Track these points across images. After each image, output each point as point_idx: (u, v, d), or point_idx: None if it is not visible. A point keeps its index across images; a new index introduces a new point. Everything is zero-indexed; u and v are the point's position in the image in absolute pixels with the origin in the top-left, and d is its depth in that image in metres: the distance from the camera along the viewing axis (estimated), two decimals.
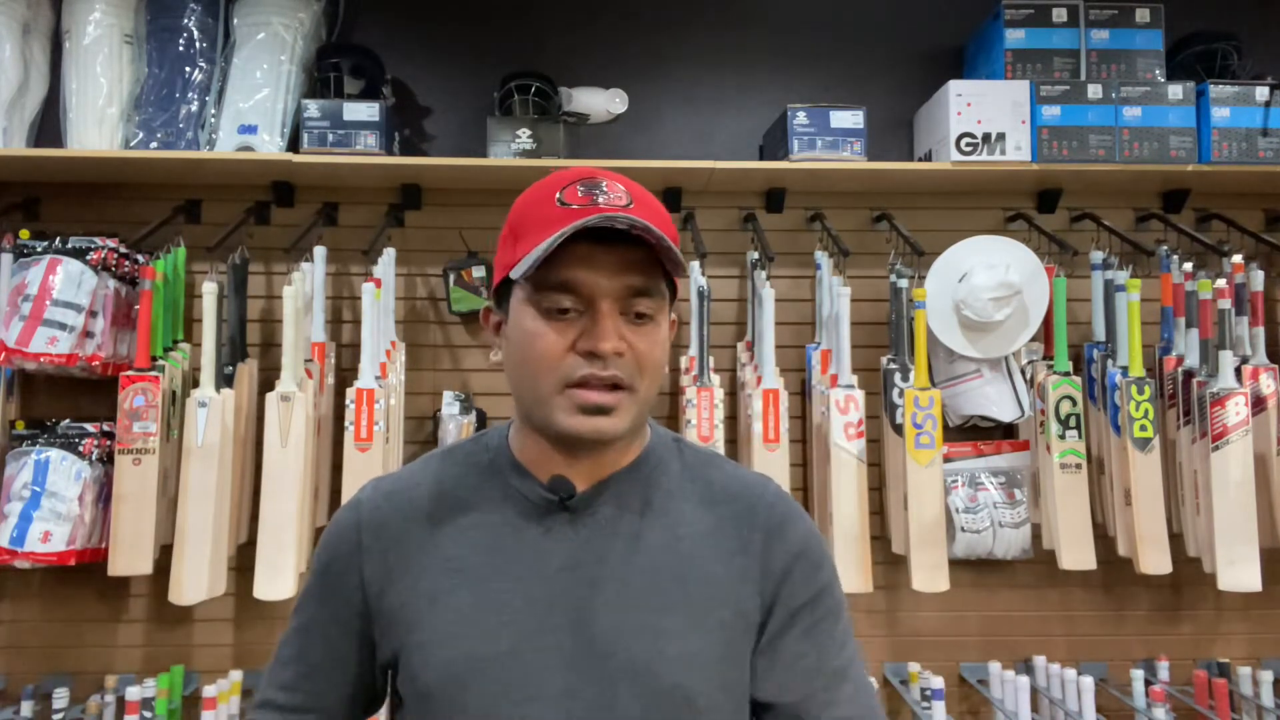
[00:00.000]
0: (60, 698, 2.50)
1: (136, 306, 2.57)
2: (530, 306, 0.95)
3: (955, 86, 2.73)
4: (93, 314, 2.54)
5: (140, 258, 2.65)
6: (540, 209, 0.95)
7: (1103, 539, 2.65)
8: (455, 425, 2.69)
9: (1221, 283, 2.62)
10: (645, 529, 1.00)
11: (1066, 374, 2.63)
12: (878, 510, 2.80)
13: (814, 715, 0.97)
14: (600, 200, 0.93)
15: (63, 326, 2.49)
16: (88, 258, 2.55)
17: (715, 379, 2.61)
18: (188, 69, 2.75)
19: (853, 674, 1.00)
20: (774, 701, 0.98)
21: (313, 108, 2.63)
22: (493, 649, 0.96)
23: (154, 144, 2.68)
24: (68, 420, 2.63)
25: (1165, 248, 2.78)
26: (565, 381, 0.94)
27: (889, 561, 2.77)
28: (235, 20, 2.79)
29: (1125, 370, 2.63)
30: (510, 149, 2.71)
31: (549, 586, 0.97)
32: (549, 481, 1.00)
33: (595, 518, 1.00)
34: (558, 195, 0.94)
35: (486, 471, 1.05)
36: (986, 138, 2.71)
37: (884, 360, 2.73)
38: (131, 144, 2.69)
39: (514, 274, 0.93)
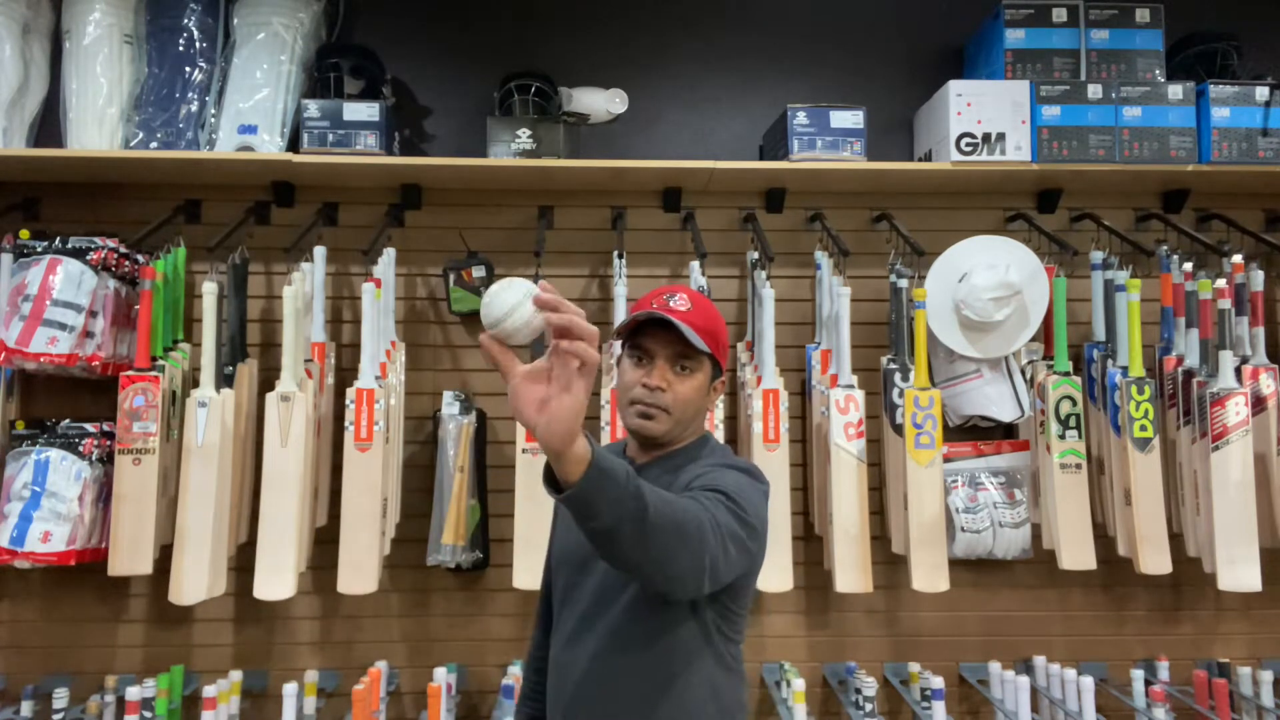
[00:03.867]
0: (60, 698, 2.49)
1: (136, 306, 2.57)
2: (626, 355, 1.61)
3: (955, 86, 2.73)
4: (93, 314, 2.54)
5: (140, 258, 2.66)
6: (641, 305, 1.61)
7: (1103, 539, 2.65)
8: (455, 425, 2.69)
9: (1221, 283, 2.62)
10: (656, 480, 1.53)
11: (1066, 374, 2.63)
12: (878, 510, 2.80)
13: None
14: (670, 304, 1.57)
15: (63, 326, 2.49)
16: (88, 258, 2.55)
17: None
18: (188, 69, 2.75)
19: (720, 482, 1.43)
20: None
21: (313, 108, 2.63)
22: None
23: (154, 144, 2.68)
24: (68, 420, 2.63)
25: (1165, 248, 2.78)
26: (631, 399, 1.57)
27: (889, 561, 2.77)
28: (235, 20, 2.79)
29: (1125, 370, 2.63)
30: (510, 149, 2.71)
31: None
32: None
33: (645, 476, 1.49)
34: (653, 299, 1.60)
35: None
36: (986, 138, 2.71)
37: (884, 360, 2.73)
38: (131, 144, 2.69)
39: (617, 337, 1.62)
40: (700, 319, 1.55)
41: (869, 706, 2.52)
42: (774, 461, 2.54)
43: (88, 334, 2.53)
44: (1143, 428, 2.57)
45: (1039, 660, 2.76)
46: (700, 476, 1.47)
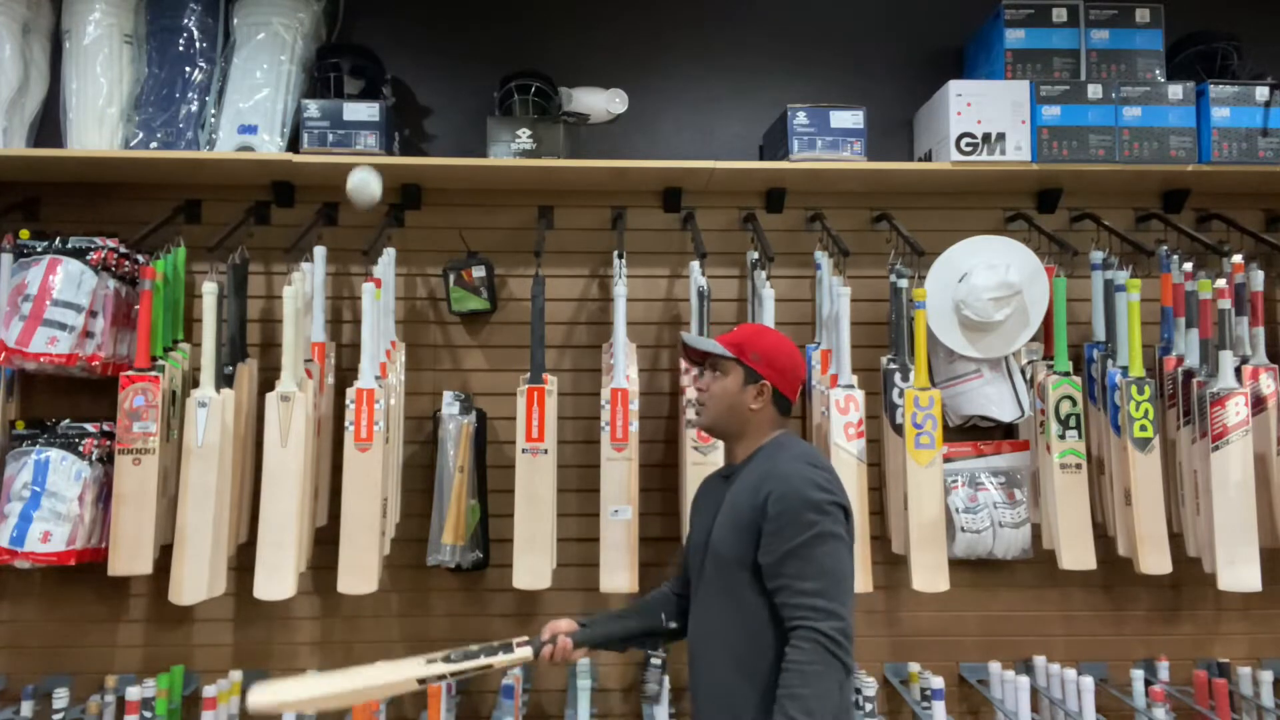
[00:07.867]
0: (60, 698, 2.50)
1: (136, 306, 2.57)
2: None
3: (955, 86, 2.73)
4: (93, 314, 2.54)
5: (140, 258, 2.66)
6: None
7: (1103, 539, 2.66)
8: (455, 425, 2.69)
9: (1221, 283, 2.62)
10: (739, 486, 1.94)
11: (1066, 374, 2.63)
12: (878, 510, 2.80)
13: (773, 575, 1.81)
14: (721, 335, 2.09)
15: (63, 326, 2.49)
16: (88, 258, 2.55)
17: None
18: (188, 69, 2.75)
19: (805, 555, 1.78)
20: (761, 563, 1.82)
21: (313, 108, 2.63)
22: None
23: (154, 144, 2.68)
24: (68, 420, 2.63)
25: (1165, 248, 2.78)
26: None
27: (889, 561, 2.77)
28: (235, 20, 2.79)
29: (1125, 370, 2.63)
30: (510, 149, 2.71)
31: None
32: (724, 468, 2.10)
33: (730, 481, 1.98)
34: None
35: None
36: (986, 138, 2.71)
37: (884, 360, 2.73)
38: (131, 144, 2.69)
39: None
40: (731, 338, 2.01)
41: (869, 707, 2.52)
42: None
43: (88, 334, 2.53)
44: (1143, 428, 2.57)
45: (1039, 660, 2.76)
46: (785, 585, 1.78)
